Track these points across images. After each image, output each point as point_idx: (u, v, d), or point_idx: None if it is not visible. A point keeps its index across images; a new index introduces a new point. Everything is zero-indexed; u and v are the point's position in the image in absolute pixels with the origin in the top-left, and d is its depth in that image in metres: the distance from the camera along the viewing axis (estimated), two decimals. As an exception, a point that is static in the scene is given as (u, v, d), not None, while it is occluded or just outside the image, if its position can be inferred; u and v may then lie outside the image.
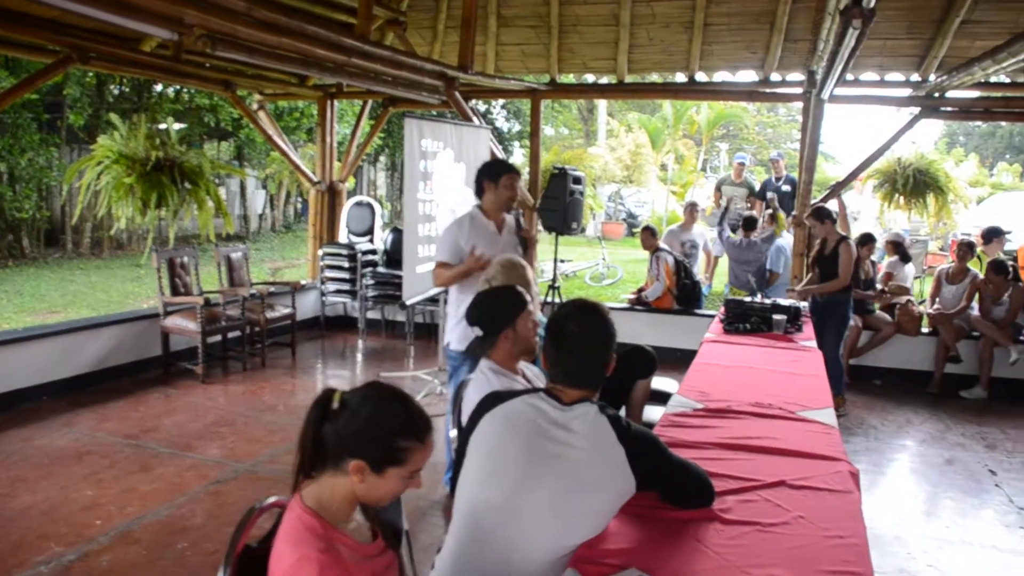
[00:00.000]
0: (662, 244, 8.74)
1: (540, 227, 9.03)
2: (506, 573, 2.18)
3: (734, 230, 9.14)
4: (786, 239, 9.15)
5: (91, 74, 14.91)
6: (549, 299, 8.14)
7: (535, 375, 3.22)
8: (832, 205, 7.92)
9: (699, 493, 2.38)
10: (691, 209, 9.82)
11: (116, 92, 16.57)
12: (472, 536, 2.27)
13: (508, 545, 2.19)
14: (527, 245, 4.82)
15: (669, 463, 2.34)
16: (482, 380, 2.98)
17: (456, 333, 4.37)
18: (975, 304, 7.80)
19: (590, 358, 2.39)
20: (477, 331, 3.10)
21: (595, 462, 2.23)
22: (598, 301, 2.56)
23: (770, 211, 9.42)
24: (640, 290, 8.94)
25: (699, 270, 9.65)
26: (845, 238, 6.69)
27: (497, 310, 3.08)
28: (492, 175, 4.56)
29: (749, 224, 9.06)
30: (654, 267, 8.68)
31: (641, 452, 2.27)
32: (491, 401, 2.43)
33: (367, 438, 1.74)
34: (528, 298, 3.12)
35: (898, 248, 8.58)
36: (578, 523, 2.18)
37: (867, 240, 7.81)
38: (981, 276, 7.80)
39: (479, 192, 4.59)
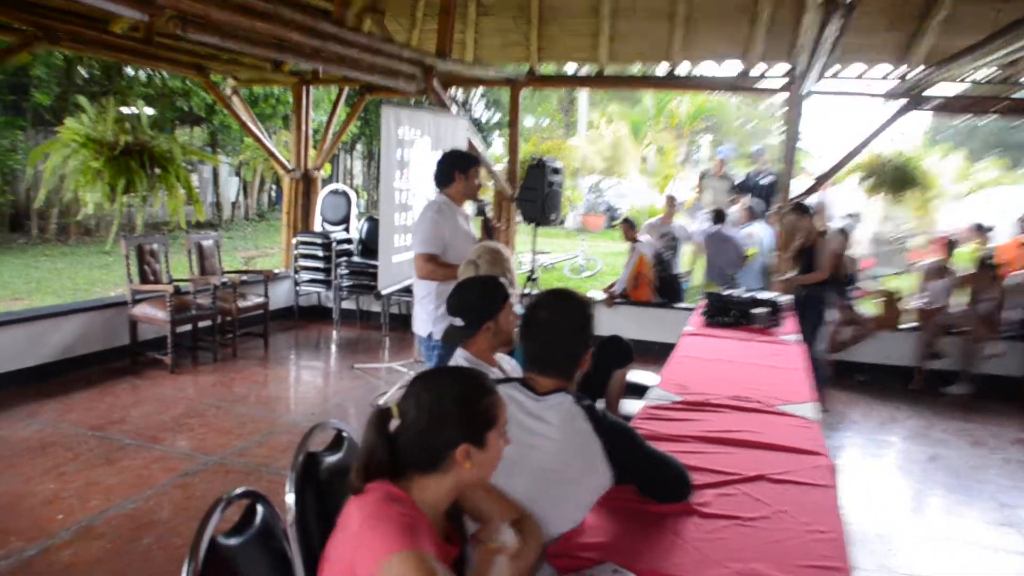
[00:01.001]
0: (641, 236, 8.75)
1: (519, 218, 9.00)
2: None
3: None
4: (757, 228, 9.23)
5: (58, 55, 14.69)
6: (527, 291, 8.13)
7: (512, 367, 3.20)
8: (813, 200, 7.96)
9: (677, 486, 2.38)
10: (670, 202, 9.84)
11: (85, 74, 16.35)
12: None
13: None
14: (492, 237, 4.81)
15: (646, 455, 2.34)
16: None
17: (442, 324, 4.33)
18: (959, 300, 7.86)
19: (559, 345, 2.39)
20: (457, 320, 3.07)
21: (570, 453, 2.22)
22: (575, 290, 2.55)
23: (748, 206, 9.49)
24: (611, 286, 8.92)
25: (682, 263, 9.66)
26: (824, 233, 6.73)
27: (481, 301, 3.04)
28: (463, 166, 4.59)
29: (718, 217, 9.12)
30: (629, 259, 8.69)
31: (617, 444, 2.27)
32: None
33: (450, 422, 1.70)
34: (509, 289, 3.11)
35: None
36: (553, 515, 2.17)
37: (844, 234, 7.84)
38: (965, 272, 7.86)
39: (448, 181, 4.59)
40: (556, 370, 2.39)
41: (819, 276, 6.61)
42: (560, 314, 2.40)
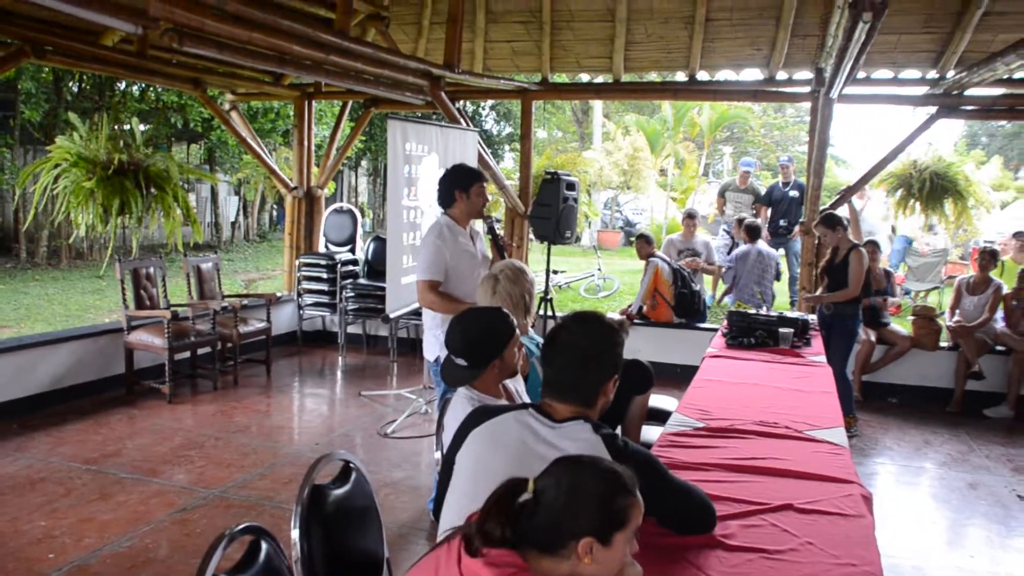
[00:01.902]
0: (658, 252, 8.75)
1: (531, 236, 9.03)
2: None
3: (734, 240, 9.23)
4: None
5: (47, 69, 14.84)
6: (542, 312, 8.14)
7: (519, 389, 3.21)
8: (843, 211, 7.94)
9: (700, 518, 2.38)
10: (689, 219, 9.79)
11: (75, 89, 16.51)
12: None
13: None
14: (504, 255, 4.85)
15: (670, 488, 2.34)
16: (459, 408, 2.94)
17: None
18: (999, 316, 7.82)
19: (577, 368, 2.36)
20: (459, 359, 3.00)
21: None
22: (601, 312, 2.55)
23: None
24: (628, 307, 8.92)
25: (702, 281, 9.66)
26: (856, 246, 6.71)
27: (486, 341, 2.96)
28: (463, 184, 4.65)
29: (754, 232, 9.08)
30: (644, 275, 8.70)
31: (639, 476, 2.26)
32: (477, 417, 2.42)
33: (584, 513, 1.70)
34: (514, 321, 3.09)
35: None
36: None
37: (873, 247, 7.83)
38: (1006, 286, 7.82)
39: (449, 201, 4.68)
40: (574, 397, 2.36)
41: (849, 294, 6.61)
42: (581, 337, 2.37)
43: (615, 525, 1.72)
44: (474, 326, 3.02)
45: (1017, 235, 9.31)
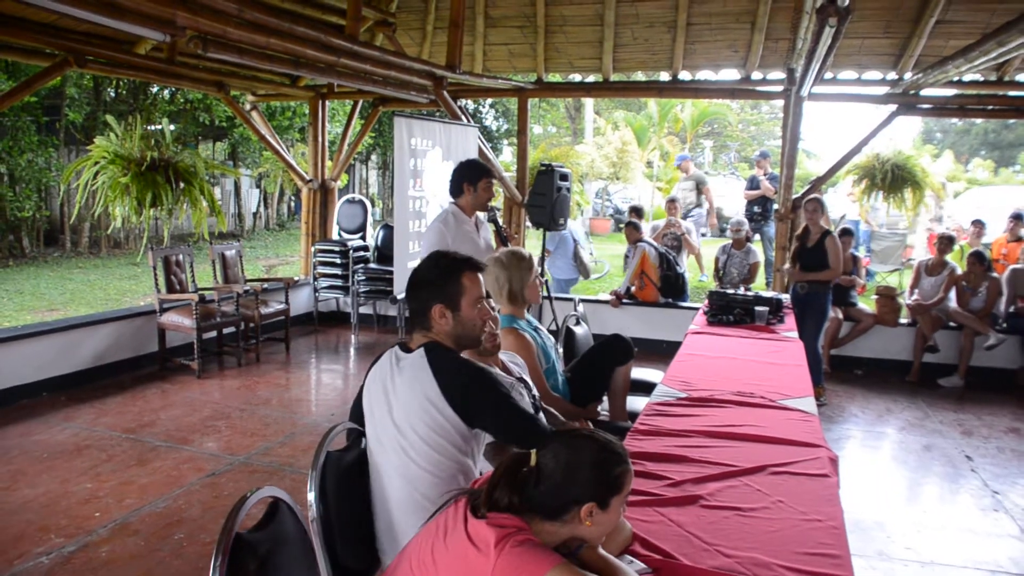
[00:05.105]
0: (646, 237, 8.79)
1: (528, 222, 9.01)
2: (390, 534, 2.34)
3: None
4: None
5: (88, 77, 14.83)
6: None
7: (520, 365, 3.20)
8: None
9: (527, 431, 2.37)
10: (670, 203, 10.00)
11: (112, 94, 16.48)
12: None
13: (388, 507, 2.35)
14: (506, 244, 4.86)
15: (499, 399, 2.36)
16: None
17: None
18: (952, 295, 7.84)
19: (413, 293, 2.48)
20: None
21: (413, 404, 2.30)
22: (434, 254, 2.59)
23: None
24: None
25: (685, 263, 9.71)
26: (829, 232, 6.73)
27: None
28: (472, 178, 4.67)
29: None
30: (632, 258, 8.73)
31: (457, 384, 2.30)
32: (373, 362, 2.53)
33: (584, 482, 1.73)
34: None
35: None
36: (421, 472, 2.28)
37: (845, 234, 7.84)
38: (959, 269, 7.85)
39: (457, 192, 4.69)
40: (420, 322, 2.46)
41: (835, 273, 6.68)
42: (416, 271, 2.50)
43: (612, 491, 1.75)
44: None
45: (975, 223, 9.36)
